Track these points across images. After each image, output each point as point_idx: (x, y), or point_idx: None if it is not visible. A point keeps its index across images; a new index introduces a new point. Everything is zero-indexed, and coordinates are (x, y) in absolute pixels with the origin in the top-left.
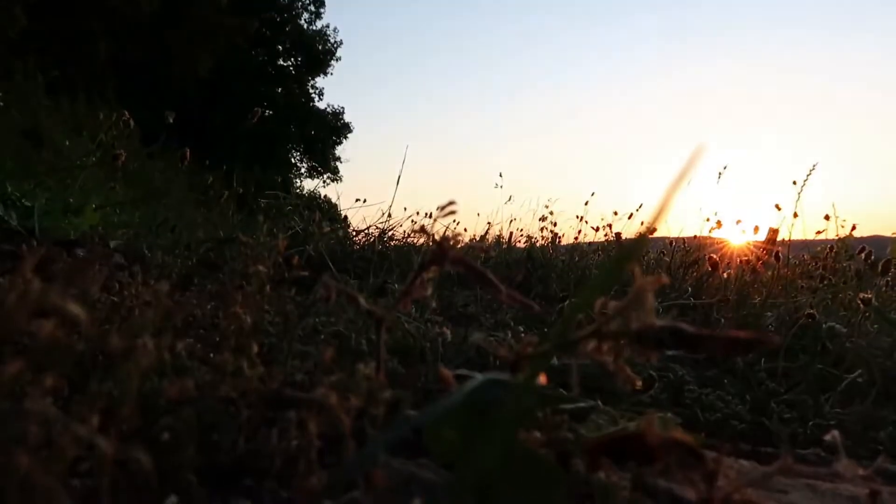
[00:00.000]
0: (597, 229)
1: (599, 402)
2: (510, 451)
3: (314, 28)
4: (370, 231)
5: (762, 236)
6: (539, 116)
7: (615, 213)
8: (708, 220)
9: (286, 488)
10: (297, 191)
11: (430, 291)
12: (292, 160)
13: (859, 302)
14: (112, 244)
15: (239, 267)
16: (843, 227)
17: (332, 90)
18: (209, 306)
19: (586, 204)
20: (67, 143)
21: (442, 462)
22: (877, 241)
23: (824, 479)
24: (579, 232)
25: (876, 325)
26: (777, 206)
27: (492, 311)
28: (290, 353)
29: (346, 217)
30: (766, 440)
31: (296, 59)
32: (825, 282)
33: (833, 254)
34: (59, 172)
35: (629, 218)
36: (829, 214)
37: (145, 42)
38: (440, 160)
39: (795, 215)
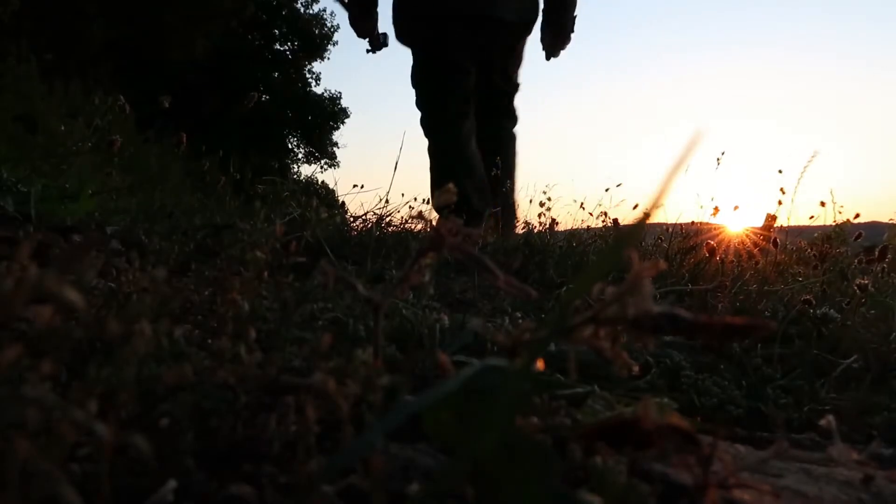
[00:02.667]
0: (598, 216)
1: (596, 388)
2: (507, 437)
3: (311, 12)
4: (368, 217)
5: (760, 222)
6: (536, 101)
7: (607, 189)
8: (702, 206)
9: (284, 473)
10: (295, 176)
11: (427, 278)
12: (289, 145)
13: (856, 288)
14: (109, 230)
15: (236, 253)
16: (840, 213)
17: (328, 75)
18: (207, 292)
19: (581, 204)
20: (63, 127)
21: (440, 447)
22: (874, 227)
23: (819, 464)
24: (575, 219)
25: (872, 311)
26: (780, 192)
27: (489, 297)
28: (287, 339)
29: (343, 203)
30: (761, 425)
31: (292, 44)
32: (821, 268)
33: (829, 240)
34: (54, 158)
35: (634, 208)
36: (826, 201)
37: (140, 24)
38: None
39: (780, 203)
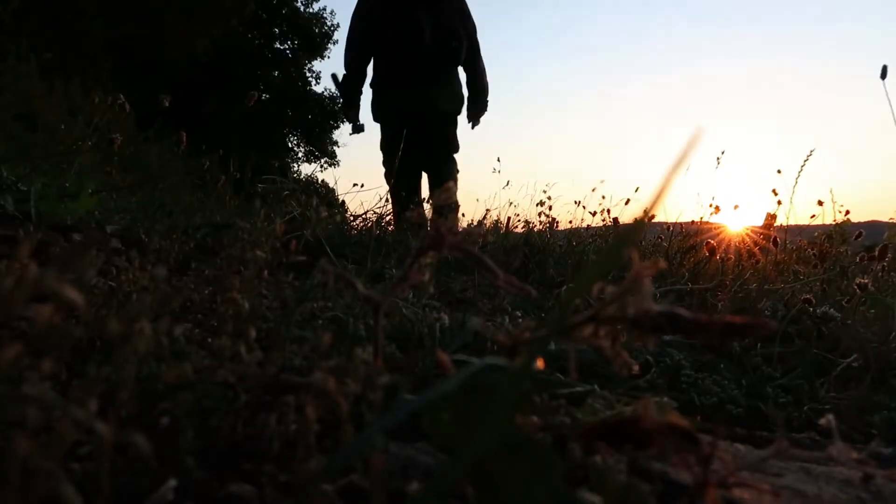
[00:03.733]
0: (594, 214)
1: (596, 387)
2: (507, 436)
3: (311, 11)
4: (368, 216)
5: (760, 221)
6: (538, 100)
7: (604, 197)
8: (705, 205)
9: (285, 472)
10: (295, 175)
11: (427, 277)
12: (289, 144)
13: (856, 287)
14: (109, 229)
15: (236, 252)
16: (840, 212)
17: (329, 74)
18: (207, 291)
19: (594, 190)
20: (63, 126)
21: (439, 446)
22: (874, 226)
23: (819, 463)
24: (574, 218)
25: (872, 311)
26: (774, 192)
27: (489, 296)
28: (288, 338)
29: (343, 202)
30: (761, 424)
31: (292, 42)
32: (821, 267)
33: (829, 239)
34: (54, 156)
35: (626, 204)
36: (826, 200)
37: (140, 23)
38: None
39: (780, 203)
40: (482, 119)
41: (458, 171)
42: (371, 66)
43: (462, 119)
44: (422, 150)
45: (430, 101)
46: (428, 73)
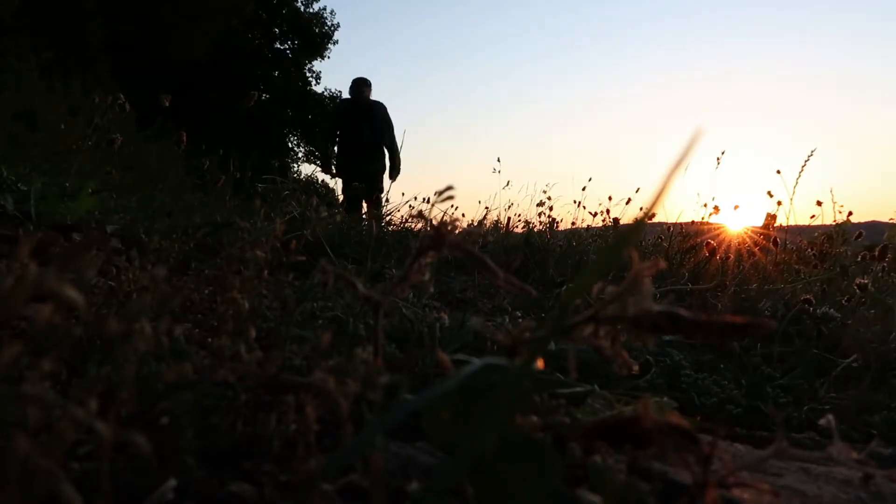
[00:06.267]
0: (595, 214)
1: (596, 387)
2: (507, 435)
3: (311, 11)
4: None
5: (760, 221)
6: (538, 100)
7: (609, 199)
8: (706, 205)
9: (285, 472)
10: (295, 175)
11: (427, 276)
12: (289, 144)
13: (855, 287)
14: (109, 228)
15: (236, 252)
16: (840, 212)
17: (328, 74)
18: (207, 291)
19: (584, 189)
20: (63, 126)
21: (439, 446)
22: (874, 227)
23: (818, 463)
24: (576, 218)
25: (872, 311)
26: (769, 194)
27: (489, 296)
28: (288, 338)
29: (343, 202)
30: (761, 424)
31: (293, 42)
32: (821, 267)
33: (829, 239)
34: (54, 156)
35: (627, 203)
36: (826, 200)
37: (140, 22)
38: (438, 145)
39: (780, 204)
40: (398, 179)
41: (382, 200)
42: (336, 147)
43: (385, 177)
44: (364, 193)
45: (368, 168)
46: (365, 155)
